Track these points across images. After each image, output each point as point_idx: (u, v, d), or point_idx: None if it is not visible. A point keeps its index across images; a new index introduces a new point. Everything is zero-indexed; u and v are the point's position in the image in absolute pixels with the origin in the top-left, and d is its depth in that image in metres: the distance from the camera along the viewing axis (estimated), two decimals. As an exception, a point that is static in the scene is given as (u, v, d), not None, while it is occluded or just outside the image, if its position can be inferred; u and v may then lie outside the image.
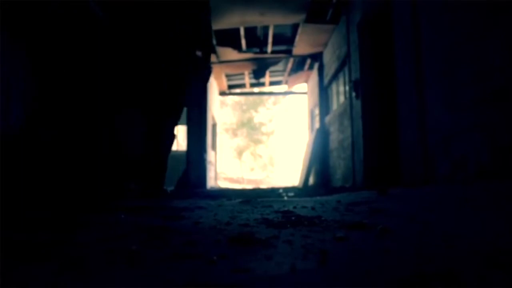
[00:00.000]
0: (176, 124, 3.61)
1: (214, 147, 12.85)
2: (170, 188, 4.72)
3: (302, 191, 5.62)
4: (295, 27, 8.43)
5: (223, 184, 23.59)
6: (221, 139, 29.60)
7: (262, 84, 12.91)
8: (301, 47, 9.15)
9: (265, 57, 9.71)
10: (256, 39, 8.92)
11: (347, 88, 7.23)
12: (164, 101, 3.61)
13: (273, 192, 5.24)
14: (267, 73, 11.48)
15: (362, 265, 0.85)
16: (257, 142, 31.54)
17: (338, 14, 7.42)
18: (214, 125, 13.05)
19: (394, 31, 4.69)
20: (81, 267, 0.87)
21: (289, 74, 11.70)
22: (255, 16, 7.33)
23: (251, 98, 30.00)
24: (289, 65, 10.97)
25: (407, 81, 4.28)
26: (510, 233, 1.16)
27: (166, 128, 3.64)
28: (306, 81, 12.19)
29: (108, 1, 3.48)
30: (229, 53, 9.22)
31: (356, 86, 6.19)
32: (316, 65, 10.12)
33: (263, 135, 31.76)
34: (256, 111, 31.11)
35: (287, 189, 6.41)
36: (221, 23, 7.48)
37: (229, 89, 13.04)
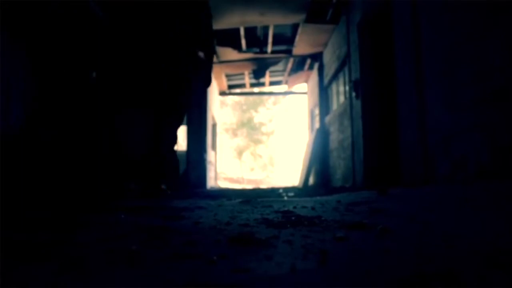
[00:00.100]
0: (178, 124, 3.60)
1: (214, 147, 12.85)
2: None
3: (302, 191, 5.62)
4: (295, 27, 8.43)
5: (223, 184, 23.59)
6: (221, 139, 29.60)
7: (262, 84, 12.91)
8: (301, 47, 9.15)
9: (265, 57, 9.71)
10: (256, 39, 8.92)
11: (347, 88, 7.23)
12: (164, 101, 3.61)
13: (273, 192, 5.24)
14: (267, 73, 11.48)
15: (362, 265, 0.85)
16: (257, 142, 31.54)
17: (338, 14, 7.42)
18: (214, 125, 13.05)
19: (394, 31, 4.69)
20: (81, 267, 0.87)
21: (289, 74, 11.70)
22: (255, 16, 7.33)
23: (251, 98, 30.00)
24: (289, 65, 10.97)
25: (407, 81, 4.28)
26: (510, 233, 1.16)
27: (167, 128, 3.64)
28: (306, 81, 12.19)
29: (108, 1, 3.48)
30: (229, 53, 9.22)
31: (356, 86, 6.19)
32: (316, 65, 10.12)
33: (263, 135, 31.76)
34: (256, 111, 31.11)
35: (287, 189, 6.41)
36: (221, 23, 7.48)
37: (229, 89, 13.04)
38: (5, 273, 0.82)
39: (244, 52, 9.26)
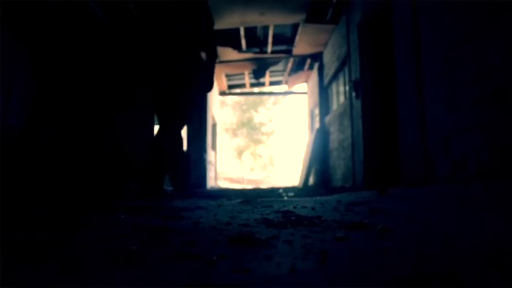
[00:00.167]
0: (179, 124, 3.59)
1: (214, 147, 12.84)
2: (169, 188, 4.72)
3: (302, 191, 5.62)
4: (295, 27, 8.43)
5: (223, 184, 23.59)
6: (221, 139, 29.60)
7: (262, 84, 12.91)
8: (301, 47, 9.15)
9: (265, 57, 9.70)
10: (256, 39, 8.92)
11: (347, 88, 7.23)
12: (164, 101, 3.61)
13: (273, 192, 5.24)
14: (267, 73, 11.48)
15: (362, 265, 0.85)
16: (257, 142, 31.54)
17: (338, 14, 7.42)
18: (214, 125, 13.05)
19: (394, 31, 4.69)
20: (81, 267, 0.87)
21: (289, 74, 11.70)
22: (255, 16, 7.32)
23: (251, 98, 30.01)
24: (289, 65, 10.97)
25: (407, 81, 4.28)
26: (510, 233, 1.16)
27: (168, 128, 3.64)
28: (306, 81, 12.19)
29: (108, 1, 3.48)
30: (229, 53, 9.22)
31: (356, 86, 6.19)
32: (316, 65, 10.12)
33: (263, 135, 31.77)
34: (256, 111, 31.12)
35: (287, 189, 6.41)
36: (221, 23, 7.48)
37: (229, 89, 13.04)
38: (5, 273, 0.82)
39: (244, 52, 9.26)
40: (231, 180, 29.27)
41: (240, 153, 31.25)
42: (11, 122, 2.03)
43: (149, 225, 1.51)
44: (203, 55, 3.77)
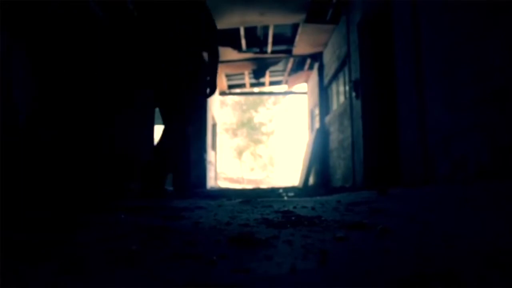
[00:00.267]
0: (180, 124, 3.59)
1: (214, 147, 12.84)
2: (170, 188, 4.72)
3: (302, 191, 5.62)
4: (295, 27, 8.43)
5: (223, 184, 23.59)
6: (221, 139, 29.59)
7: (262, 84, 12.90)
8: (301, 47, 9.15)
9: (265, 57, 9.70)
10: (256, 39, 8.91)
11: (347, 88, 7.23)
12: (164, 101, 3.61)
13: (273, 192, 5.24)
14: (267, 73, 11.48)
15: (362, 265, 0.85)
16: (257, 142, 31.55)
17: (338, 14, 7.42)
18: (214, 125, 13.05)
19: (394, 31, 4.69)
20: (81, 267, 0.87)
21: (289, 74, 11.70)
22: (255, 16, 7.32)
23: (251, 98, 30.00)
24: (289, 65, 10.97)
25: (407, 81, 4.28)
26: (510, 233, 1.16)
27: (168, 128, 3.63)
28: (306, 81, 12.19)
29: (108, 1, 3.48)
30: (229, 53, 9.22)
31: (356, 86, 6.19)
32: (316, 65, 10.12)
33: (263, 135, 31.77)
34: (256, 111, 31.12)
35: (287, 189, 6.41)
36: (221, 23, 7.48)
37: (229, 89, 13.04)
38: (5, 273, 0.82)
39: (244, 52, 9.26)
40: (231, 180, 29.27)
41: (240, 153, 31.25)
42: (11, 122, 2.03)
43: (149, 225, 1.51)
44: (205, 55, 3.78)
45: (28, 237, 1.22)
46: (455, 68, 3.24)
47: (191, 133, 3.73)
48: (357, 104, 6.21)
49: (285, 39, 9.07)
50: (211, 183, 11.06)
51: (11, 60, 2.06)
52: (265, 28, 8.46)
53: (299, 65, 11.10)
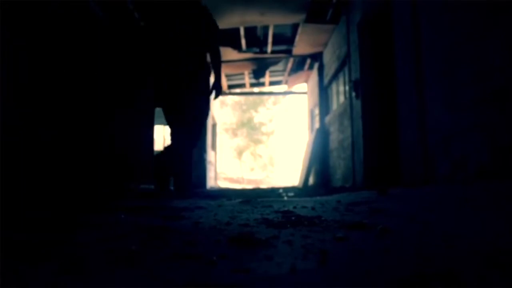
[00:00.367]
0: (180, 125, 3.59)
1: (214, 147, 12.84)
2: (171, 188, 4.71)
3: (302, 191, 5.62)
4: (295, 27, 8.43)
5: (223, 184, 23.58)
6: (221, 139, 29.60)
7: (262, 84, 12.90)
8: (301, 47, 9.14)
9: (265, 57, 9.70)
10: (256, 39, 8.91)
11: (347, 88, 7.23)
12: (164, 101, 3.61)
13: (273, 192, 5.24)
14: (267, 73, 11.48)
15: (362, 265, 0.85)
16: (257, 142, 31.54)
17: (338, 14, 7.42)
18: (214, 125, 13.05)
19: (394, 31, 4.69)
20: (81, 267, 0.87)
21: (289, 74, 11.70)
22: (255, 16, 7.32)
23: (251, 98, 30.00)
24: (289, 65, 10.97)
25: (407, 81, 4.28)
26: (510, 233, 1.16)
27: (170, 129, 3.64)
28: (306, 81, 12.18)
29: (108, 1, 3.48)
30: (229, 53, 9.22)
31: (356, 86, 6.19)
32: (316, 65, 10.12)
33: (263, 135, 31.77)
34: (256, 111, 31.12)
35: (287, 189, 6.41)
36: (221, 23, 7.48)
37: (229, 89, 13.03)
38: (5, 273, 0.82)
39: (244, 52, 9.26)
40: (231, 180, 29.27)
41: (240, 153, 31.25)
42: (11, 122, 2.03)
43: (149, 225, 1.51)
44: (207, 56, 3.78)
45: (28, 237, 1.22)
46: (455, 68, 3.24)
47: (197, 135, 3.74)
48: (357, 104, 6.21)
49: (285, 39, 9.07)
50: (211, 183, 11.06)
51: (12, 60, 2.06)
52: (265, 28, 8.46)
53: (299, 65, 11.10)
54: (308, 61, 10.47)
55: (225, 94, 13.29)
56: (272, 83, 13.02)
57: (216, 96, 3.79)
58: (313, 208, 2.11)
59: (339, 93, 8.17)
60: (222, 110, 29.77)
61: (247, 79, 12.06)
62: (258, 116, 31.31)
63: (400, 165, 4.55)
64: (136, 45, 4.03)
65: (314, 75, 10.56)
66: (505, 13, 2.60)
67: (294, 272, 0.81)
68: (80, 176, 2.80)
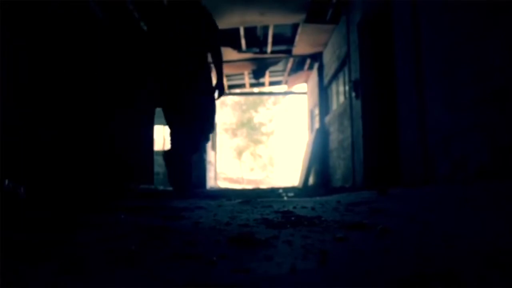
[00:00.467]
0: (181, 125, 3.59)
1: (214, 147, 12.84)
2: (169, 188, 4.71)
3: (302, 191, 5.62)
4: (295, 27, 8.43)
5: (223, 184, 23.58)
6: (221, 139, 29.57)
7: (262, 84, 12.90)
8: (301, 47, 9.14)
9: (265, 57, 9.70)
10: (256, 39, 8.91)
11: (347, 88, 7.23)
12: (164, 101, 3.60)
13: (273, 192, 5.24)
14: (267, 73, 11.47)
15: (362, 265, 0.85)
16: (257, 142, 31.53)
17: (338, 14, 7.42)
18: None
19: (394, 31, 4.69)
20: (81, 267, 0.87)
21: (289, 74, 11.69)
22: (255, 16, 7.32)
23: (251, 98, 29.98)
24: (289, 65, 10.96)
25: (407, 81, 4.28)
26: (510, 233, 1.16)
27: (171, 128, 3.64)
28: (306, 81, 12.18)
29: (108, 1, 3.48)
30: (228, 53, 9.22)
31: (356, 86, 6.19)
32: (316, 65, 10.11)
33: (263, 135, 31.75)
34: (256, 111, 31.10)
35: (287, 189, 6.41)
36: (221, 23, 7.47)
37: (229, 89, 13.03)
38: (5, 273, 0.82)
39: (244, 52, 9.25)
40: (231, 180, 29.26)
41: (240, 153, 31.24)
42: (11, 122, 2.03)
43: (149, 225, 1.51)
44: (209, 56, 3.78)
45: (28, 237, 1.22)
46: (455, 68, 3.24)
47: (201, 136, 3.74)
48: (357, 104, 6.21)
49: (285, 39, 9.06)
50: (210, 183, 11.06)
51: (12, 60, 2.06)
52: (265, 28, 8.46)
53: (299, 65, 11.10)
54: (308, 61, 10.46)
55: (225, 94, 13.29)
56: (272, 83, 13.01)
57: (219, 96, 3.79)
58: (313, 208, 2.11)
59: (339, 93, 8.16)
60: (222, 110, 29.74)
61: (247, 79, 12.06)
62: (258, 116, 31.30)
63: (400, 165, 4.55)
64: (136, 45, 4.03)
65: (314, 75, 10.56)
66: (505, 13, 2.60)
67: (294, 272, 0.81)
68: (80, 176, 2.80)
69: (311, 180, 10.31)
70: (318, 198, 3.00)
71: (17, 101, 2.11)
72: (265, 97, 29.52)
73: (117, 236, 1.26)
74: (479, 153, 2.93)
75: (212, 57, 3.72)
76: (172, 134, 3.60)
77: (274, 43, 9.10)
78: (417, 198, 2.35)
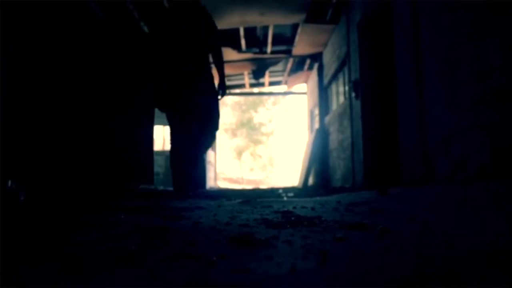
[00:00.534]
0: (180, 125, 3.58)
1: (213, 148, 12.84)
2: (169, 188, 4.71)
3: (301, 191, 5.62)
4: (295, 27, 8.43)
5: (223, 184, 23.57)
6: (221, 139, 29.56)
7: (262, 84, 12.90)
8: (300, 47, 9.14)
9: (265, 57, 9.70)
10: (255, 39, 8.91)
11: (346, 88, 7.23)
12: (164, 101, 3.60)
13: (272, 193, 5.24)
14: (267, 73, 11.47)
15: (362, 265, 0.85)
16: (256, 142, 31.51)
17: (338, 14, 7.42)
18: (214, 125, 13.00)
19: (394, 31, 4.69)
20: (81, 267, 0.87)
21: (289, 74, 11.69)
22: (255, 16, 7.32)
23: (250, 98, 29.97)
24: (289, 65, 10.96)
25: (407, 81, 4.28)
26: (510, 233, 1.16)
27: (172, 128, 3.64)
28: (305, 81, 12.18)
29: (108, 1, 3.48)
30: (228, 53, 9.21)
31: (355, 86, 6.19)
32: (315, 65, 10.11)
33: (263, 135, 31.74)
34: (255, 111, 31.09)
35: (286, 190, 6.41)
36: (221, 23, 7.47)
37: (229, 89, 13.03)
38: (5, 273, 0.82)
39: (244, 52, 9.25)
40: (231, 180, 29.26)
41: (239, 153, 31.22)
42: (11, 122, 2.03)
43: (149, 225, 1.51)
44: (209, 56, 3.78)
45: (28, 237, 1.22)
46: (455, 68, 3.24)
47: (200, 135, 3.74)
48: (357, 104, 6.21)
49: (284, 39, 9.06)
50: (210, 183, 11.06)
51: (12, 60, 2.06)
52: (265, 28, 8.46)
53: (298, 65, 11.10)
54: (308, 61, 10.46)
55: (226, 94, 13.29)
56: (271, 84, 13.01)
57: (222, 96, 3.80)
58: (313, 209, 2.11)
59: (339, 93, 8.16)
60: (222, 110, 29.69)
61: (247, 80, 12.06)
62: (257, 117, 31.29)
63: (400, 165, 4.55)
64: (136, 45, 4.03)
65: (313, 75, 10.56)
66: (505, 13, 2.60)
67: (294, 272, 0.81)
68: (80, 176, 2.80)
69: (311, 180, 10.31)
70: (318, 198, 3.00)
71: (17, 101, 2.11)
72: (265, 97, 29.51)
73: (117, 236, 1.26)
74: (479, 153, 2.93)
75: (213, 57, 3.72)
76: (172, 134, 3.60)
77: (274, 43, 9.09)
78: (417, 198, 2.35)
